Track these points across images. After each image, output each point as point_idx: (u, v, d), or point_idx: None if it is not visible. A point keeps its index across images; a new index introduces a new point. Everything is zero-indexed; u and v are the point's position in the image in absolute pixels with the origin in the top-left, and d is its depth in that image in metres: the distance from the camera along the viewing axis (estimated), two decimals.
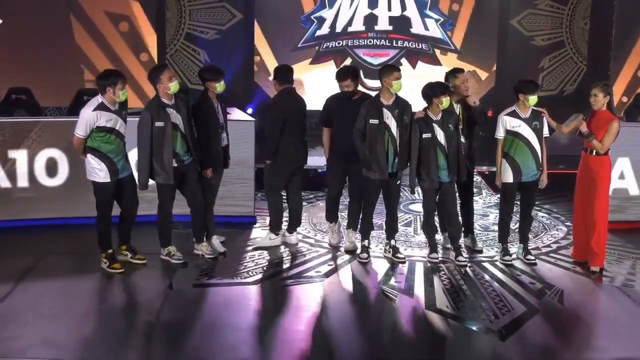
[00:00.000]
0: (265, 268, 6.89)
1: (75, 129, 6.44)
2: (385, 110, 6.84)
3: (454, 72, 7.19)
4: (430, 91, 6.77)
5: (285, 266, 6.96)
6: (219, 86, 6.93)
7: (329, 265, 7.01)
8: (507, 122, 6.81)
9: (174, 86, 6.61)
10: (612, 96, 6.75)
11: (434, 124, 6.81)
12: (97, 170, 6.49)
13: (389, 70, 6.90)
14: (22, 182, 7.77)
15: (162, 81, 6.58)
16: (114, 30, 11.98)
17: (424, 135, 6.81)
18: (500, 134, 6.86)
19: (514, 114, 6.82)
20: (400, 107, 6.90)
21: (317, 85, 11.49)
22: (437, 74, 12.64)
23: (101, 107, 6.42)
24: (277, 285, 6.51)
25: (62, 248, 7.32)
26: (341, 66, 7.12)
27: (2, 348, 5.20)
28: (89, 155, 6.49)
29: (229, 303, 6.08)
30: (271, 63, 12.29)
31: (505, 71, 12.60)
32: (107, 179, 6.52)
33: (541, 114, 6.78)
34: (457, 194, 7.20)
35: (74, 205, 7.73)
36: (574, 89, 12.49)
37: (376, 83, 12.39)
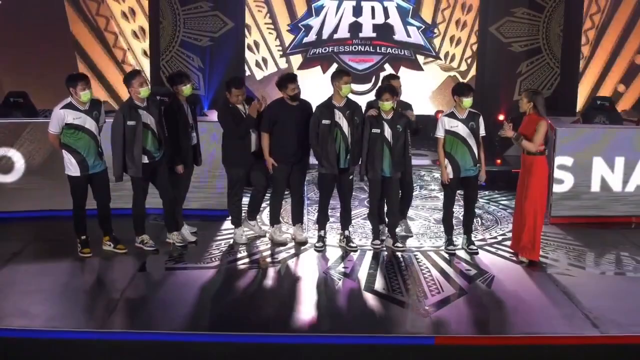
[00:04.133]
0: (227, 255, 7.59)
1: (48, 126, 7.20)
2: (336, 111, 7.52)
3: (389, 78, 7.90)
4: (377, 93, 7.50)
5: (245, 253, 7.65)
6: (186, 89, 7.65)
7: (286, 252, 7.69)
8: (445, 123, 7.46)
9: (143, 91, 7.30)
10: (538, 102, 7.29)
11: (383, 122, 7.48)
12: (69, 165, 7.23)
13: (339, 75, 7.60)
14: (15, 176, 8.55)
15: (133, 85, 7.30)
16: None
17: (373, 131, 7.49)
18: (440, 133, 7.50)
19: (452, 115, 7.47)
20: (351, 108, 7.59)
21: (304, 89, 12.13)
22: (419, 78, 13.35)
23: (69, 106, 7.14)
24: (233, 269, 7.21)
25: (50, 236, 8.07)
26: (284, 74, 7.81)
27: None
28: (63, 151, 7.23)
29: (187, 284, 6.80)
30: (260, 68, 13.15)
31: (484, 76, 13.20)
32: (77, 173, 7.23)
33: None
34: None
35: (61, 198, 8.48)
36: (551, 93, 13.02)
37: (361, 87, 13.28)
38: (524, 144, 7.24)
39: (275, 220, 8.01)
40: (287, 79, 7.66)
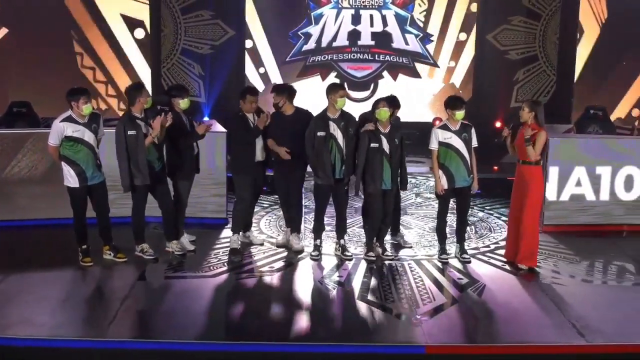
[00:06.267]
0: (225, 264, 7.77)
1: (48, 138, 7.39)
2: (331, 123, 7.71)
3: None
4: (374, 104, 7.67)
5: (243, 262, 7.83)
6: (183, 102, 7.84)
7: (283, 261, 7.87)
8: (439, 135, 7.63)
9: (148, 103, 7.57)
10: (539, 112, 7.48)
11: (381, 136, 7.64)
12: (69, 177, 7.41)
13: (334, 88, 7.79)
14: (26, 186, 8.75)
15: (142, 96, 7.54)
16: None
17: (372, 145, 7.64)
18: (434, 145, 7.67)
19: (445, 127, 7.65)
20: (346, 120, 7.77)
21: (304, 96, 12.29)
22: (417, 86, 13.53)
23: (69, 119, 7.33)
24: (232, 278, 7.39)
25: (53, 244, 8.25)
26: (275, 85, 8.08)
27: None
28: (62, 162, 7.42)
29: (185, 293, 6.98)
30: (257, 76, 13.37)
31: (481, 83, 13.38)
32: (77, 185, 7.42)
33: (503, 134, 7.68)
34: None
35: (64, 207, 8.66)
36: (547, 100, 13.19)
37: (359, 94, 13.46)
38: (529, 149, 7.39)
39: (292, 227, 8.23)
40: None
